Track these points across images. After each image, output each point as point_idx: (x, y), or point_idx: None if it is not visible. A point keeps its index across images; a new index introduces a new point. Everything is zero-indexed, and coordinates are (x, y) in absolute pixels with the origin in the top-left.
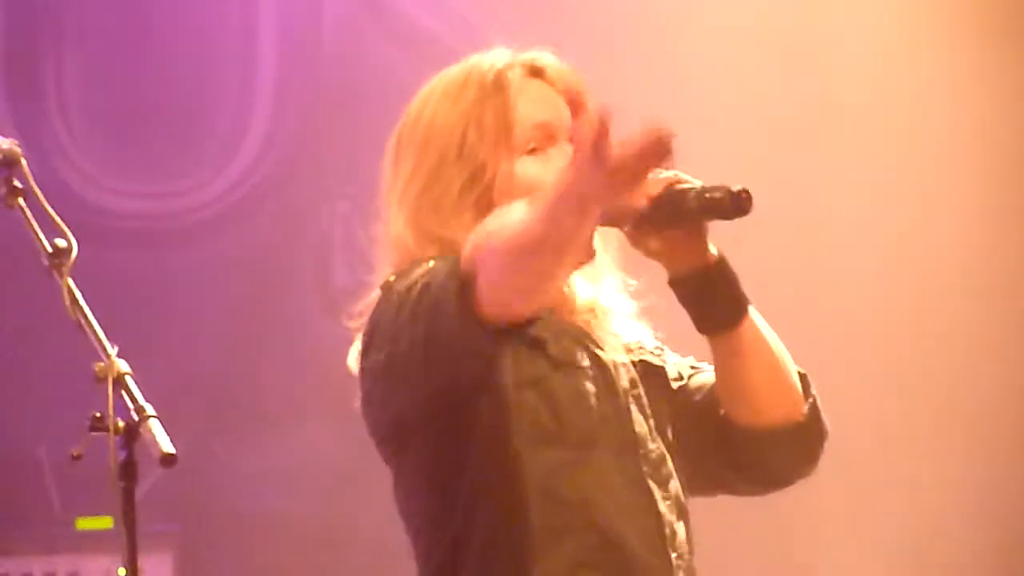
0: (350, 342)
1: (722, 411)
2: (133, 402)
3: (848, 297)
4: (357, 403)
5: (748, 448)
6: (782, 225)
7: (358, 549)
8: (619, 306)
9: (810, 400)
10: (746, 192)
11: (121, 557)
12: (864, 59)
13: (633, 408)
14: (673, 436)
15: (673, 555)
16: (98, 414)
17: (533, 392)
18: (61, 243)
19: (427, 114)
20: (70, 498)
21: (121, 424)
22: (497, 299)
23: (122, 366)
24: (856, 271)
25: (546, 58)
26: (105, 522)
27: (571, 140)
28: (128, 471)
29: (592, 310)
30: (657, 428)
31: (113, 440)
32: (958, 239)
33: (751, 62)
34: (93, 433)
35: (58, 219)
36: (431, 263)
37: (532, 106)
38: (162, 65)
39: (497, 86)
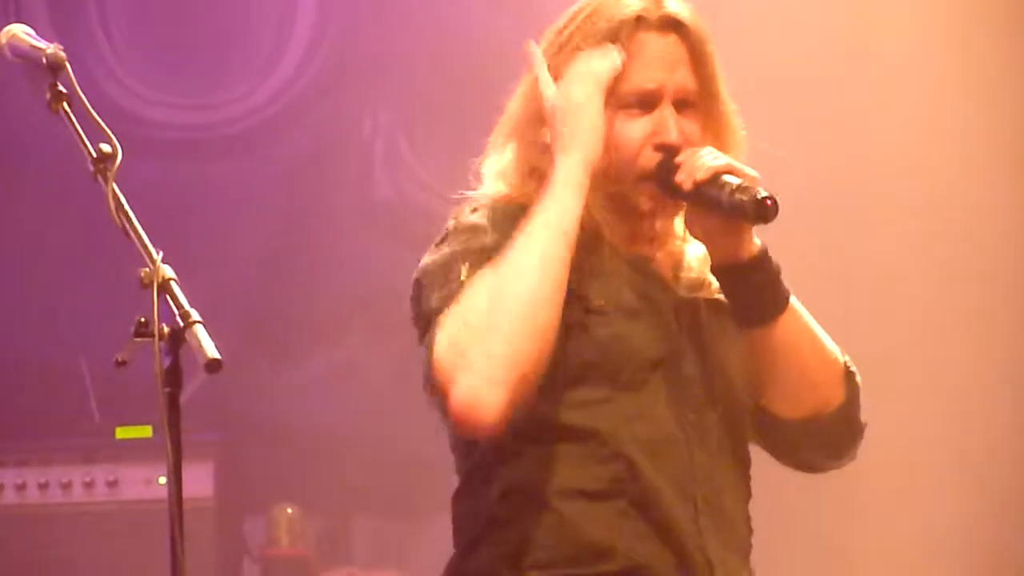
0: (390, 255)
1: (759, 399)
2: (178, 307)
3: (888, 295)
4: (397, 316)
5: (778, 434)
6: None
7: (397, 462)
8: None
9: (846, 395)
10: (772, 200)
11: (163, 465)
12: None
13: (687, 348)
14: (744, 368)
15: (698, 498)
16: (143, 319)
17: (565, 336)
18: (106, 148)
19: (549, 46)
20: (109, 407)
21: (166, 329)
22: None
23: (167, 271)
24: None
25: (681, 12)
26: (144, 431)
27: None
28: (173, 377)
29: (666, 239)
30: (714, 367)
31: (158, 345)
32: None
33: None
34: (137, 339)
35: (103, 124)
36: (463, 272)
37: (643, 69)
38: None
39: (612, 37)
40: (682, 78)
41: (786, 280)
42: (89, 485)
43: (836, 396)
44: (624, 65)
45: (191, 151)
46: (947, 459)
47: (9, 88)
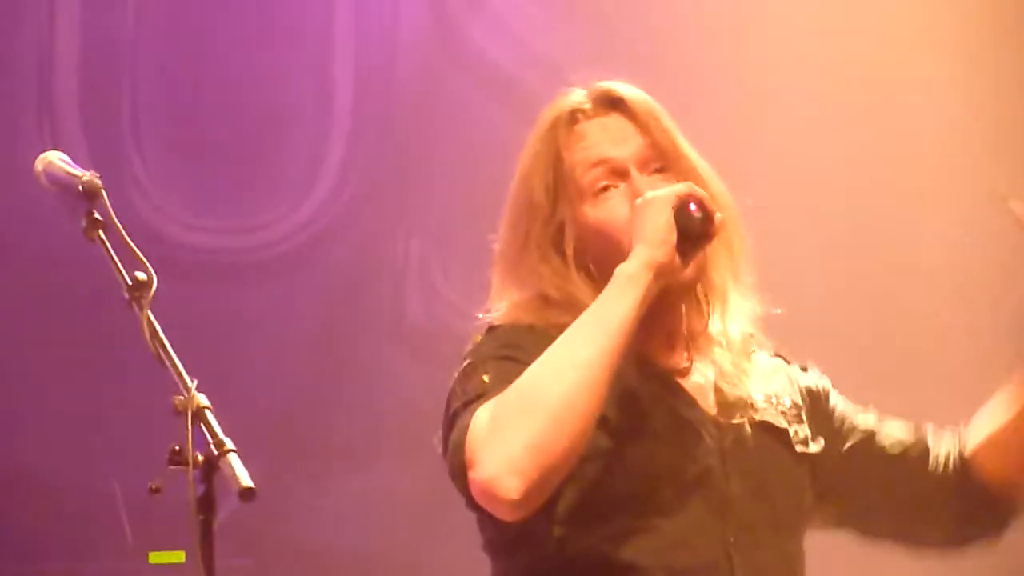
0: (424, 378)
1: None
2: (212, 436)
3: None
4: (432, 439)
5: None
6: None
7: None
8: (752, 349)
9: None
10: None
11: None
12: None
13: (727, 470)
14: (792, 497)
15: None
16: (177, 447)
17: (592, 465)
18: (141, 276)
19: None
20: (143, 532)
21: (200, 458)
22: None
23: (201, 400)
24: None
25: (621, 89)
26: (177, 556)
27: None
28: (207, 505)
29: (712, 345)
30: (761, 490)
31: (192, 474)
32: None
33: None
34: (172, 467)
35: (138, 252)
36: (485, 376)
37: (593, 144)
38: (238, 100)
39: (553, 131)
40: (636, 148)
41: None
42: None
43: None
44: (571, 162)
45: (224, 274)
46: None
47: (41, 215)
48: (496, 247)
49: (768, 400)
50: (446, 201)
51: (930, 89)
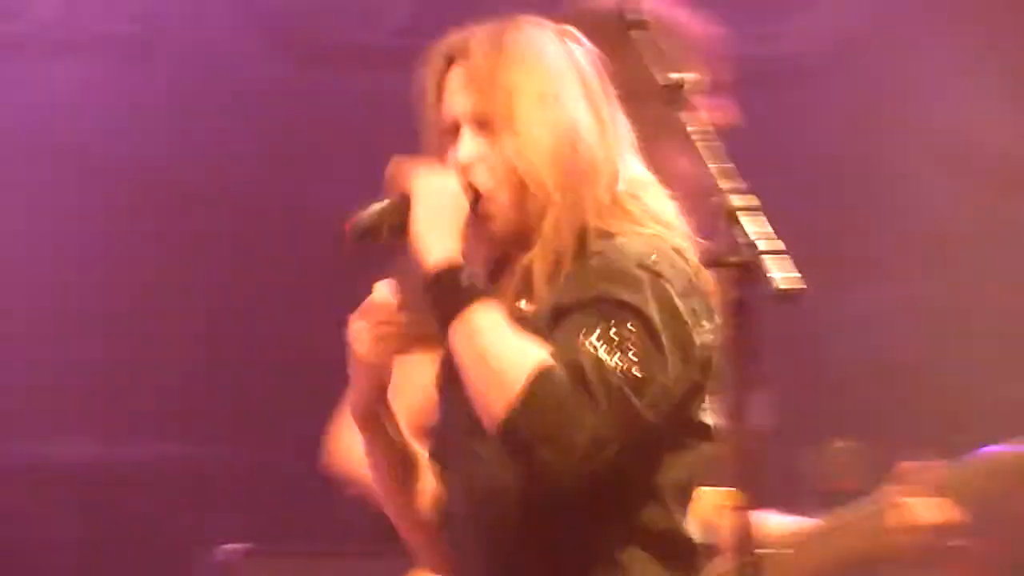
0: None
1: None
2: (749, 237)
3: None
4: (955, 254)
5: None
6: None
7: (948, 398)
8: None
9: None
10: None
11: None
12: None
13: None
14: None
15: None
16: (716, 249)
17: None
18: (677, 76)
19: None
20: None
21: (737, 260)
22: None
23: (738, 201)
24: None
25: (457, 42)
26: None
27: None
28: (743, 309)
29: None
30: None
31: (730, 277)
32: None
33: None
34: (710, 268)
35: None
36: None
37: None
38: None
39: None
40: (467, 101)
41: None
42: None
43: None
44: (433, 101)
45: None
46: None
47: None
48: None
49: None
50: None
51: None
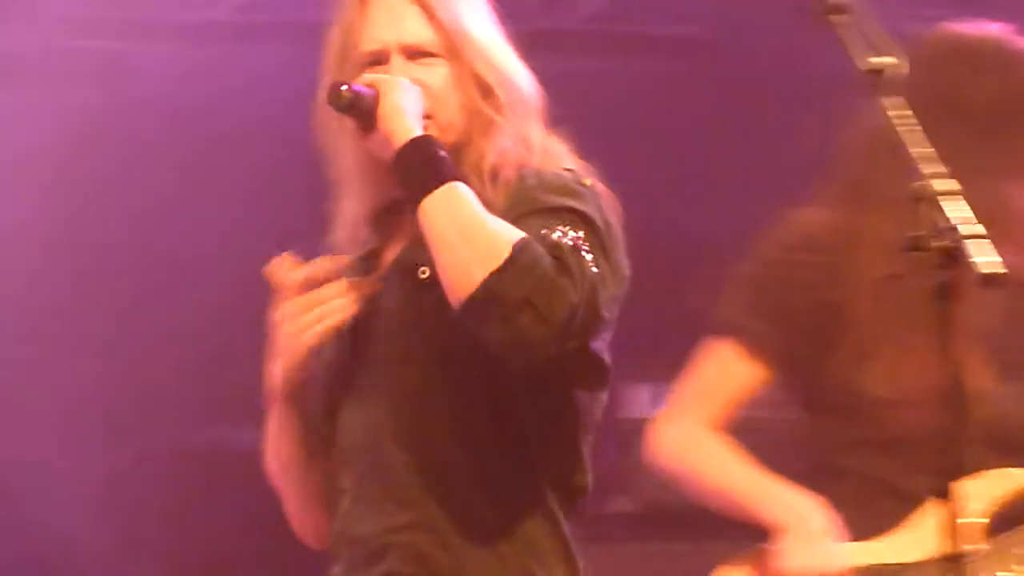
0: None
1: None
2: (951, 222)
3: None
4: None
5: None
6: None
7: None
8: None
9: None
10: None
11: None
12: None
13: None
14: None
15: None
16: (916, 236)
17: None
18: (878, 60)
19: None
20: None
21: (940, 244)
22: None
23: (937, 186)
24: None
25: None
26: None
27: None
28: (946, 293)
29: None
30: None
31: (931, 260)
32: None
33: None
34: (911, 252)
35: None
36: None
37: (370, 29)
38: None
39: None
40: (410, 30)
41: None
42: None
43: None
44: (356, 30)
45: None
46: None
47: None
48: None
49: None
50: None
51: None
